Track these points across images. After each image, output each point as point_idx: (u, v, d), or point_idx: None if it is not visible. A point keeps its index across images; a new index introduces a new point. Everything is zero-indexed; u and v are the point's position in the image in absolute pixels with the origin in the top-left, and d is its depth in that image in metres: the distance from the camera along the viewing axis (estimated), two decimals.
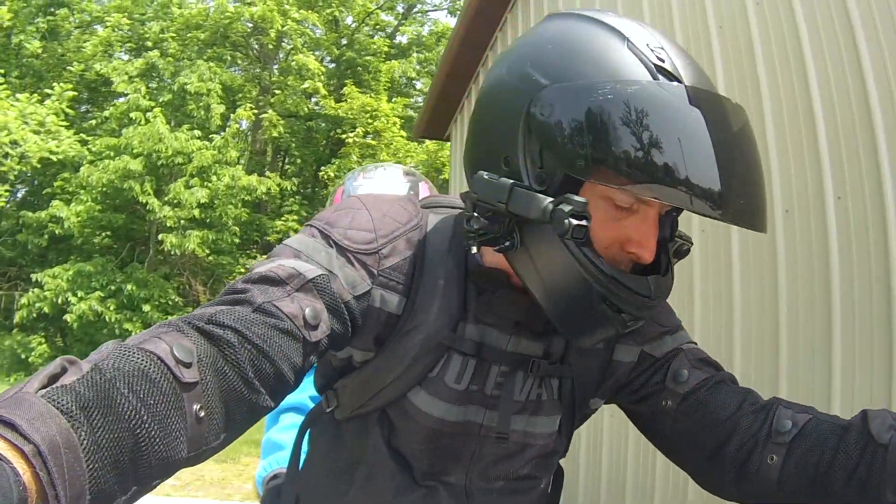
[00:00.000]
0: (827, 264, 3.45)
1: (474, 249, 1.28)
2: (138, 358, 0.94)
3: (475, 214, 1.22)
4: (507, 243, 1.23)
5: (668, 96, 1.12)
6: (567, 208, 1.10)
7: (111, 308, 17.53)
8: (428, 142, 20.57)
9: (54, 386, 0.84)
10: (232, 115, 20.67)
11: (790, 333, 3.67)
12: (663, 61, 1.17)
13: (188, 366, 0.98)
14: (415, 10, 28.37)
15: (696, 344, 1.55)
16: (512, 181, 1.18)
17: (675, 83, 1.15)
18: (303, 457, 1.66)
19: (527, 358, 1.41)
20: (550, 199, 1.13)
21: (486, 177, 1.21)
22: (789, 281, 3.69)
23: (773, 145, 3.78)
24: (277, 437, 2.34)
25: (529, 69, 1.21)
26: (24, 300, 17.71)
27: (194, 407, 0.98)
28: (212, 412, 1.01)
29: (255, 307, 1.14)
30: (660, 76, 1.15)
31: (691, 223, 4.33)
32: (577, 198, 1.11)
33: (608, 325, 1.26)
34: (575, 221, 1.10)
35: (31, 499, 0.75)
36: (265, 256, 1.36)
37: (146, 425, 0.89)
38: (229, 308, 1.14)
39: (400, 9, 28.13)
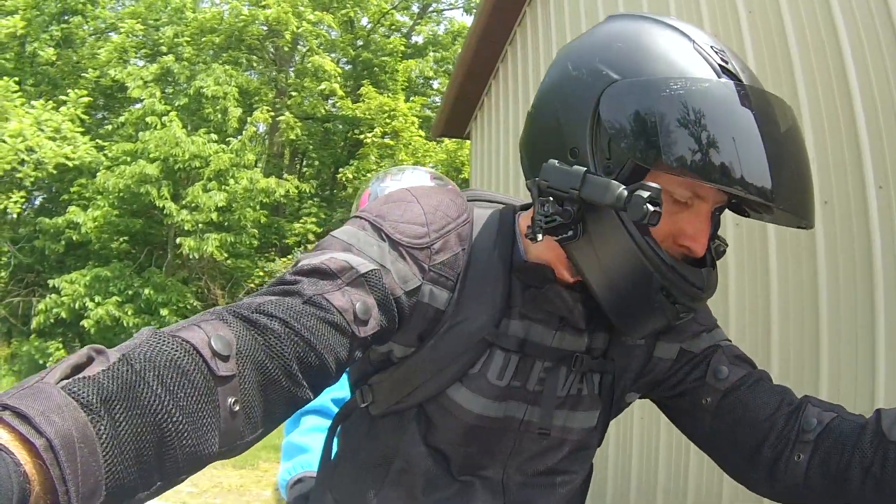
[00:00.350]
0: (869, 256, 3.39)
1: (540, 237, 1.26)
2: (172, 347, 0.93)
3: (547, 201, 1.25)
4: (569, 232, 1.25)
5: (734, 94, 1.18)
6: (645, 194, 1.14)
7: (129, 313, 17.48)
8: (447, 141, 20.60)
9: (77, 377, 0.84)
10: (249, 118, 20.64)
11: (831, 330, 3.61)
12: (727, 62, 1.24)
13: (225, 358, 0.98)
14: (430, 9, 28.40)
15: (731, 341, 1.57)
16: (585, 169, 1.22)
17: (738, 83, 1.21)
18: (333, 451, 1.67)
19: (570, 353, 1.42)
20: (624, 186, 1.17)
21: (557, 165, 1.24)
22: (830, 274, 3.61)
23: (811, 134, 3.71)
24: (300, 441, 2.33)
25: (599, 65, 1.26)
26: (41, 306, 17.71)
27: (229, 401, 0.97)
28: (248, 405, 1.01)
29: (305, 299, 1.15)
30: (724, 76, 1.22)
31: (725, 221, 4.27)
32: (652, 184, 1.15)
33: (662, 315, 1.30)
34: (652, 207, 1.14)
35: (34, 491, 0.74)
36: (313, 248, 1.35)
37: (174, 419, 0.89)
38: (278, 299, 1.14)
39: (415, 8, 28.15)
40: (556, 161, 1.25)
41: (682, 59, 1.23)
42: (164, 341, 0.94)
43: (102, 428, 0.81)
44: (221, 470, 9.70)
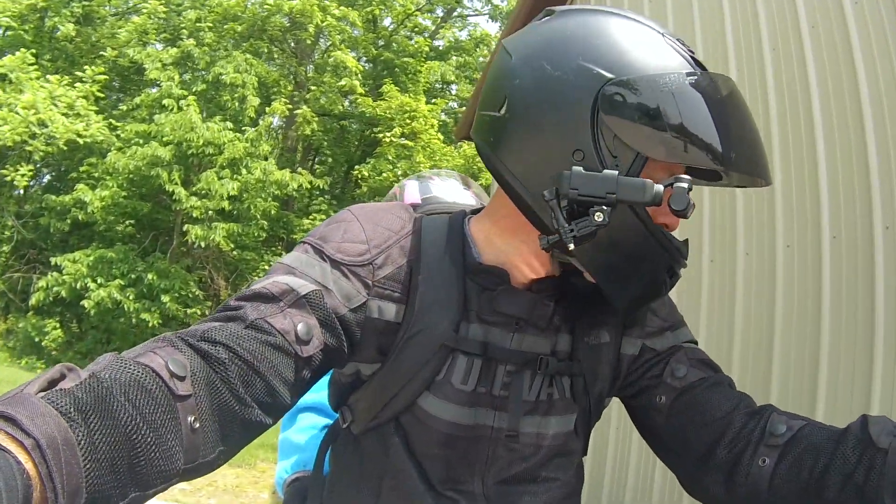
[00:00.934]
0: (872, 291, 3.44)
1: (571, 246, 1.25)
2: (134, 369, 0.99)
3: (572, 209, 1.25)
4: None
5: (713, 84, 1.29)
6: (685, 186, 1.23)
7: (130, 297, 17.43)
8: (465, 146, 20.53)
9: (53, 389, 0.90)
10: (267, 108, 20.63)
11: (832, 354, 3.66)
12: (693, 53, 1.34)
13: (182, 379, 1.04)
14: (454, 13, 28.42)
15: (696, 344, 1.60)
16: (616, 172, 1.23)
17: (706, 72, 1.31)
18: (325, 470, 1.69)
19: (534, 356, 1.44)
20: (658, 183, 1.23)
21: (584, 172, 1.24)
22: (834, 305, 3.66)
23: (825, 172, 3.76)
24: (296, 438, 2.35)
25: (585, 63, 1.29)
26: (41, 283, 17.66)
27: (189, 419, 1.03)
28: (205, 425, 1.07)
29: (247, 323, 1.20)
30: (696, 66, 1.32)
31: (737, 248, 4.33)
32: (685, 177, 1.24)
33: (663, 289, 1.41)
34: (691, 201, 1.22)
35: (36, 488, 0.79)
36: (264, 275, 1.38)
37: (142, 432, 0.95)
38: (222, 325, 1.19)
39: (439, 12, 28.18)
40: (579, 167, 1.25)
41: (663, 54, 1.31)
42: (126, 365, 0.99)
43: (80, 435, 0.87)
44: (219, 469, 9.42)
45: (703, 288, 4.73)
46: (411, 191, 2.49)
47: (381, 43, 25.92)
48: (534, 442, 1.47)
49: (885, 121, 3.55)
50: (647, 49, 1.30)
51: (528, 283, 1.45)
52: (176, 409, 1.01)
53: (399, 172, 20.03)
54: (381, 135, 21.75)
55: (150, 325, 17.33)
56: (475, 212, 1.55)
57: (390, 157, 21.24)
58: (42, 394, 0.89)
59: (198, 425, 1.04)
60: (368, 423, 1.48)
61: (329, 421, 2.39)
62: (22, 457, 0.79)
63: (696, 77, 1.27)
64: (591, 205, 1.24)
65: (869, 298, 3.49)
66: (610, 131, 1.26)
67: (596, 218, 1.22)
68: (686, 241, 1.39)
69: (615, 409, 5.24)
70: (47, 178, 22.56)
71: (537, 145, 1.32)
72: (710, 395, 1.46)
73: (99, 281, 17.42)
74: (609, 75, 1.26)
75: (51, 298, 17.64)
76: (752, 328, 4.29)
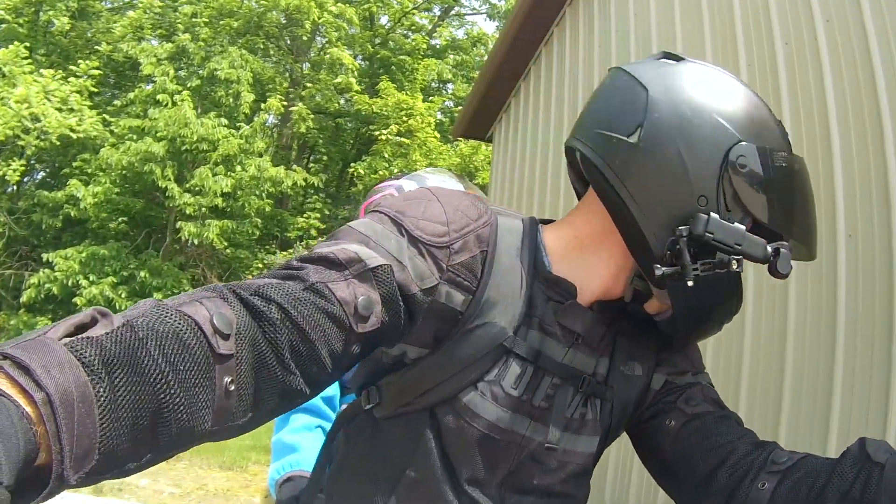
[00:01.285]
0: (891, 288, 3.43)
1: (690, 283, 1.33)
2: (175, 320, 0.94)
3: (700, 250, 1.35)
4: (690, 277, 1.35)
5: (803, 167, 1.46)
6: (789, 252, 1.36)
7: (122, 295, 17.33)
8: (462, 144, 20.53)
9: (80, 336, 0.84)
10: (262, 104, 20.54)
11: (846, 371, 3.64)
12: (787, 133, 1.47)
13: (225, 337, 0.98)
14: (452, 12, 28.45)
15: (713, 387, 1.64)
16: (744, 227, 1.35)
17: (798, 156, 1.46)
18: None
19: (579, 373, 1.45)
20: (770, 244, 1.35)
21: (720, 220, 1.34)
22: (849, 306, 3.64)
23: (840, 171, 3.75)
24: (289, 439, 2.36)
25: (719, 119, 1.39)
26: (33, 280, 17.57)
27: (225, 380, 0.97)
28: (242, 387, 1.01)
29: (306, 285, 1.14)
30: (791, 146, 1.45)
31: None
32: (786, 243, 1.37)
33: (716, 331, 1.55)
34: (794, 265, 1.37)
35: (41, 438, 0.76)
36: (327, 237, 1.33)
37: (172, 390, 0.89)
38: (280, 282, 1.13)
39: (437, 11, 28.21)
40: (715, 215, 1.34)
41: (776, 129, 1.43)
42: (167, 313, 0.94)
43: (101, 390, 0.82)
44: (207, 471, 9.30)
45: None
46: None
47: (377, 41, 25.92)
48: (560, 458, 1.47)
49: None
50: (766, 122, 1.43)
51: (591, 303, 1.47)
52: (213, 369, 0.96)
53: (395, 170, 20.02)
54: (377, 132, 21.72)
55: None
56: (543, 221, 1.55)
57: (386, 155, 21.23)
58: (67, 340, 0.83)
59: (233, 388, 0.99)
60: (397, 409, 1.43)
61: (322, 422, 2.42)
62: (30, 409, 0.75)
63: (795, 158, 1.43)
64: (714, 250, 1.34)
65: (888, 298, 3.47)
66: (731, 187, 1.36)
67: (733, 266, 1.34)
68: None
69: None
70: (41, 174, 22.57)
71: (667, 181, 1.37)
72: (718, 424, 1.50)
73: (91, 278, 17.34)
74: (738, 136, 1.37)
75: (42, 295, 17.57)
76: (763, 337, 4.26)
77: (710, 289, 1.38)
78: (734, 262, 1.33)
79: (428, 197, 1.40)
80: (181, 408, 0.91)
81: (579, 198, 1.61)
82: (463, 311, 1.36)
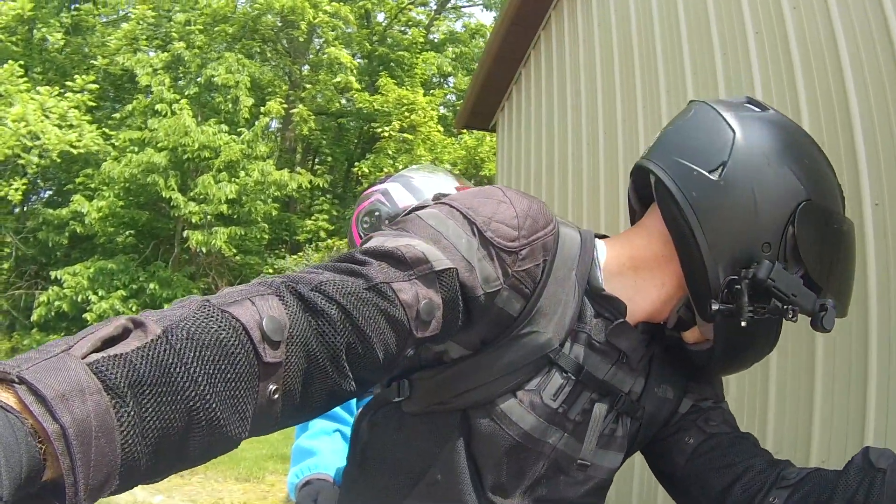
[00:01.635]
0: (864, 268, 3.54)
1: (744, 324, 1.37)
2: (220, 325, 0.88)
3: (761, 295, 1.39)
4: (740, 321, 1.38)
5: (853, 233, 1.52)
6: (832, 306, 1.39)
7: (133, 308, 17.29)
8: (466, 137, 20.49)
9: (108, 353, 0.79)
10: (262, 108, 20.51)
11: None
12: (844, 198, 1.53)
13: (275, 345, 0.93)
14: (448, 4, 28.44)
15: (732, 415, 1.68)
16: (800, 279, 1.40)
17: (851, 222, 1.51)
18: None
19: (616, 391, 1.47)
20: (819, 298, 1.40)
21: (783, 269, 1.38)
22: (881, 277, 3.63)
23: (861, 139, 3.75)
24: (308, 444, 2.35)
25: (791, 173, 1.43)
26: (42, 298, 17.61)
27: (270, 388, 0.93)
28: (289, 393, 0.97)
29: (370, 284, 1.09)
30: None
31: None
32: (831, 301, 1.40)
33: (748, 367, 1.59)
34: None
35: (49, 468, 0.72)
36: (392, 224, 1.31)
37: (208, 405, 0.85)
38: (342, 278, 1.08)
39: (433, 5, 28.23)
40: (780, 264, 1.38)
41: (837, 193, 1.49)
42: (211, 317, 0.89)
43: (125, 415, 0.77)
44: (223, 483, 9.02)
45: None
46: (399, 195, 2.35)
47: (375, 39, 25.91)
48: (588, 473, 1.48)
49: (870, 102, 3.60)
50: (832, 186, 1.48)
51: (636, 323, 1.48)
52: (257, 378, 0.91)
53: (400, 167, 19.98)
54: (379, 130, 21.71)
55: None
56: (598, 236, 1.54)
57: (390, 152, 21.23)
58: (93, 357, 0.77)
59: (277, 396, 0.94)
60: (429, 406, 1.41)
61: (340, 426, 2.42)
62: (40, 437, 0.71)
63: (848, 222, 1.48)
64: (770, 296, 1.37)
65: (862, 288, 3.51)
66: (793, 240, 1.39)
67: (788, 315, 1.38)
68: None
69: None
70: (48, 193, 22.63)
71: (739, 223, 1.40)
72: (734, 443, 1.54)
73: (100, 293, 17.37)
74: (808, 195, 1.41)
75: (53, 313, 17.59)
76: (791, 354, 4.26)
77: (756, 331, 1.43)
78: (789, 310, 1.37)
79: (500, 197, 1.36)
80: (216, 422, 0.86)
81: (632, 214, 1.64)
82: (516, 316, 1.35)
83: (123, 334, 0.82)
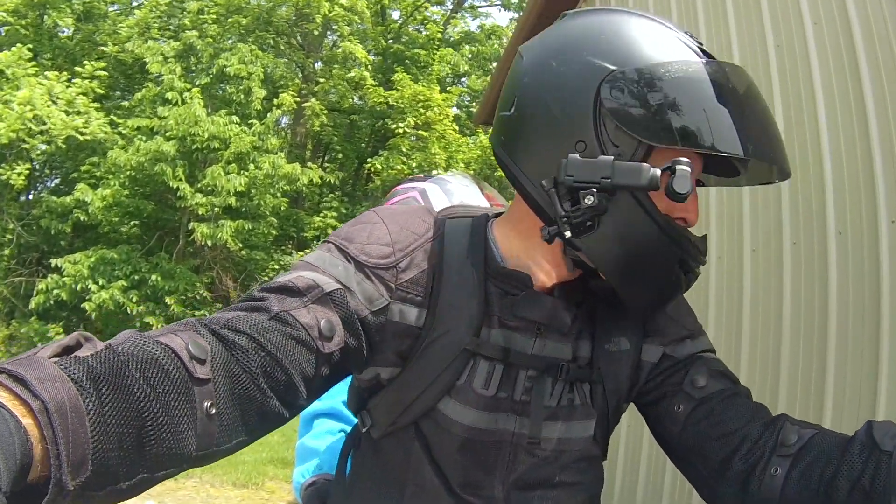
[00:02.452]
0: (878, 286, 3.58)
1: (568, 233, 1.32)
2: (153, 347, 1.00)
3: (569, 197, 1.31)
4: (589, 224, 1.32)
5: (720, 72, 1.34)
6: (686, 168, 1.27)
7: (133, 299, 17.41)
8: (481, 136, 20.35)
9: (67, 356, 0.90)
10: (275, 99, 20.44)
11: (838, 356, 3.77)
12: (702, 45, 1.39)
13: (202, 362, 1.04)
14: (465, 4, 28.43)
15: (715, 353, 1.61)
16: (612, 157, 1.29)
17: (717, 62, 1.36)
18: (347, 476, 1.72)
19: (555, 362, 1.46)
20: (655, 167, 1.28)
21: (580, 159, 1.30)
22: (840, 300, 3.78)
23: (829, 168, 3.88)
24: (312, 444, 2.38)
25: (589, 58, 1.34)
26: (41, 286, 17.61)
27: (205, 404, 1.03)
28: (223, 412, 1.08)
29: (271, 315, 1.22)
30: (703, 56, 1.36)
31: (744, 245, 4.42)
32: (684, 158, 1.28)
33: (678, 287, 1.44)
34: (692, 187, 1.26)
35: (35, 449, 0.80)
36: (283, 272, 1.41)
37: (154, 411, 0.94)
38: (246, 314, 1.21)
39: (449, 4, 28.23)
40: (577, 156, 1.30)
41: (668, 45, 1.35)
42: (145, 342, 0.99)
43: (91, 404, 0.86)
44: (219, 489, 8.79)
45: (710, 285, 4.82)
46: (437, 198, 2.43)
47: (390, 37, 25.93)
48: (555, 447, 1.49)
49: (888, 113, 3.61)
50: (652, 41, 1.35)
51: (551, 288, 1.48)
52: (192, 393, 1.02)
53: (413, 165, 19.95)
54: (393, 126, 21.59)
55: (155, 328, 16.82)
56: (497, 215, 1.58)
57: (404, 150, 21.11)
58: (55, 359, 0.89)
59: (214, 411, 1.05)
60: (388, 428, 1.49)
61: (344, 426, 2.44)
62: (27, 420, 0.80)
63: (701, 65, 1.33)
64: (577, 191, 1.29)
65: (875, 293, 3.58)
66: (612, 121, 1.30)
67: (586, 201, 1.28)
68: (704, 236, 1.44)
69: (627, 411, 5.34)
70: (56, 181, 22.71)
71: (543, 140, 1.37)
72: (727, 406, 1.48)
73: (100, 282, 17.34)
74: (612, 67, 1.31)
75: (52, 302, 17.57)
76: (760, 326, 4.34)
77: (620, 239, 1.35)
78: (588, 197, 1.28)
79: (374, 220, 1.46)
80: (164, 428, 0.96)
81: None
82: (421, 326, 1.41)
83: (77, 346, 0.93)
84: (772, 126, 1.39)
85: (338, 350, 1.30)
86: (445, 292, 1.43)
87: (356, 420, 1.64)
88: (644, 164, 1.28)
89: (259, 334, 1.18)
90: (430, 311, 1.42)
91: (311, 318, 1.26)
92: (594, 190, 1.28)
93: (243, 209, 19.05)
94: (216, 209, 18.09)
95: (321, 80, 23.80)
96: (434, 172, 2.72)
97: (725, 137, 1.30)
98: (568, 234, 1.32)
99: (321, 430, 2.42)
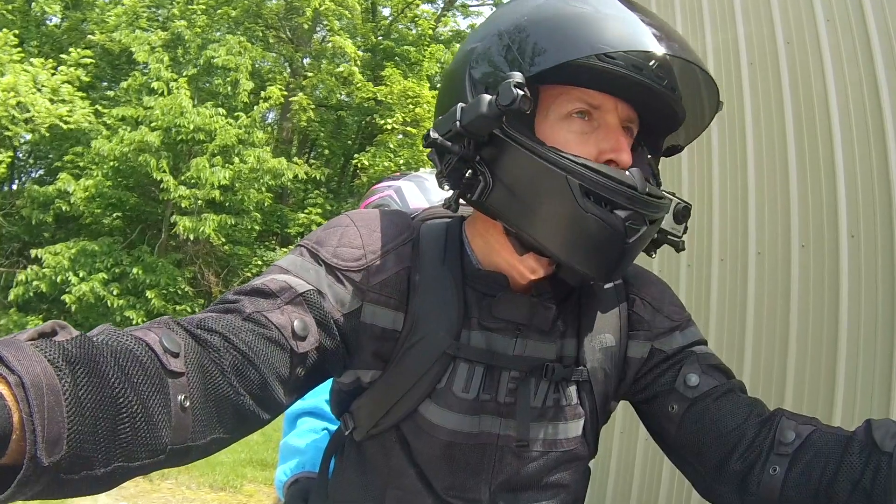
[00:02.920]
0: (893, 294, 3.51)
1: (447, 188, 1.37)
2: (127, 339, 1.02)
3: (442, 156, 1.33)
4: (480, 182, 1.33)
5: None
6: (509, 81, 1.23)
7: (114, 292, 17.22)
8: None
9: (44, 339, 0.92)
10: (263, 92, 20.27)
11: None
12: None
13: (175, 355, 1.07)
14: (457, 2, 28.43)
15: (707, 345, 1.62)
16: (461, 105, 1.30)
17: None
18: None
19: (539, 362, 1.48)
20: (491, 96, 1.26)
21: (441, 118, 1.33)
22: (852, 305, 3.67)
23: (842, 167, 3.77)
24: (296, 442, 2.39)
25: (469, 45, 1.41)
26: (20, 276, 17.40)
27: (179, 397, 1.05)
28: (197, 406, 1.09)
29: (244, 316, 1.25)
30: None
31: (749, 247, 4.33)
32: (515, 73, 1.25)
33: (610, 230, 1.29)
34: (520, 92, 1.22)
35: (15, 427, 0.82)
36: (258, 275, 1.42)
37: (128, 398, 0.95)
38: (219, 315, 1.24)
39: (440, 3, 28.30)
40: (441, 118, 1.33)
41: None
42: (119, 334, 1.02)
43: (66, 384, 0.87)
44: (196, 492, 8.40)
45: (712, 290, 4.70)
46: (412, 195, 2.45)
47: (379, 34, 25.91)
48: (543, 448, 1.50)
49: None
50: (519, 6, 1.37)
51: (528, 287, 1.48)
52: (166, 384, 1.03)
53: (401, 162, 19.99)
54: (381, 121, 21.60)
55: (135, 322, 16.94)
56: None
57: (392, 146, 21.13)
58: (31, 342, 0.90)
59: (188, 404, 1.06)
60: (370, 431, 1.52)
61: (328, 425, 2.45)
62: (5, 391, 0.81)
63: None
64: (451, 147, 1.31)
65: (890, 302, 3.46)
66: (482, 86, 1.33)
67: (456, 148, 1.30)
68: (636, 168, 1.37)
69: (620, 411, 5.35)
70: (39, 172, 22.76)
71: (437, 115, 1.42)
72: (722, 405, 1.48)
73: (81, 275, 17.19)
74: (477, 45, 1.37)
75: (31, 293, 17.45)
76: (765, 334, 4.24)
77: (515, 183, 1.32)
78: (468, 146, 1.30)
79: (346, 224, 1.48)
80: (139, 416, 0.96)
81: None
82: (398, 329, 1.43)
83: (52, 333, 0.94)
84: (641, 14, 1.35)
85: (313, 350, 1.32)
86: (423, 296, 1.45)
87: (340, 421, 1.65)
88: (483, 95, 1.26)
89: (232, 334, 1.20)
90: (407, 314, 1.44)
91: (285, 318, 1.29)
92: (450, 137, 1.30)
93: (227, 204, 18.94)
94: (199, 202, 17.96)
95: (309, 74, 23.69)
96: (410, 172, 2.75)
97: (580, 44, 1.27)
98: (447, 188, 1.37)
99: (305, 429, 2.44)
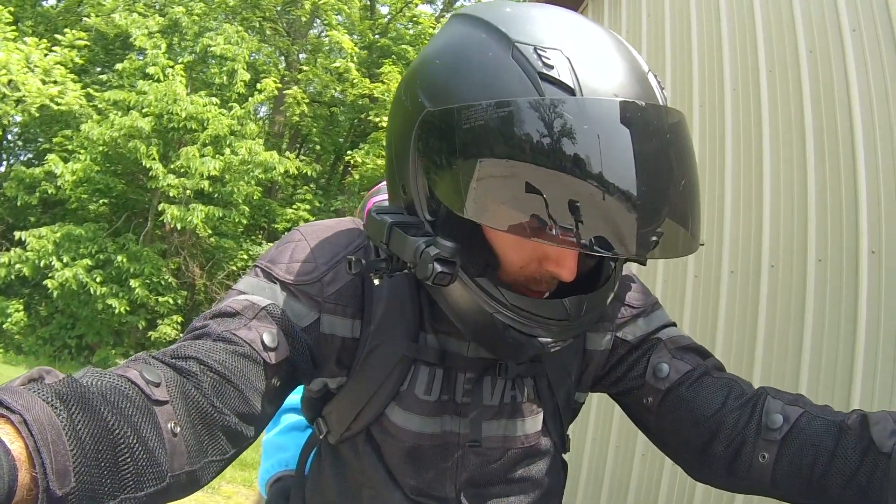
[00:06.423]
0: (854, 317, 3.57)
1: (376, 282, 1.33)
2: (110, 378, 1.03)
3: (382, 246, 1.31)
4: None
5: (548, 113, 1.07)
6: (433, 252, 1.19)
7: (97, 280, 17.11)
8: None
9: (34, 383, 0.94)
10: (258, 84, 20.15)
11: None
12: (552, 67, 1.12)
13: (157, 385, 1.09)
14: (456, 3, 28.39)
15: (676, 326, 1.61)
16: (391, 221, 1.27)
17: (562, 93, 1.10)
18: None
19: (492, 362, 1.49)
20: (423, 239, 1.22)
21: (374, 216, 1.30)
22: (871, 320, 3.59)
23: (864, 180, 3.72)
24: (280, 439, 2.41)
25: (418, 90, 1.25)
26: (3, 259, 17.28)
27: (168, 424, 1.07)
28: (186, 431, 1.11)
29: (214, 337, 1.27)
30: (544, 84, 1.11)
31: (761, 259, 4.21)
32: (445, 242, 1.20)
33: (525, 348, 1.32)
34: (440, 268, 1.18)
35: (22, 468, 0.83)
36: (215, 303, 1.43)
37: (123, 430, 0.97)
38: (191, 342, 1.26)
39: (439, 3, 28.23)
40: (374, 211, 1.31)
41: (492, 76, 1.14)
42: (102, 373, 1.04)
43: (64, 420, 0.89)
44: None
45: (721, 304, 4.59)
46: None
47: (377, 32, 25.88)
48: (501, 445, 1.54)
49: None
50: (478, 71, 1.16)
51: None
52: (154, 413, 1.05)
53: None
54: (377, 119, 21.45)
55: (118, 310, 17.05)
56: None
57: (385, 143, 20.94)
58: (23, 387, 0.92)
59: (178, 430, 1.08)
60: (343, 434, 1.55)
61: None
62: (9, 434, 0.83)
63: (512, 107, 1.10)
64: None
65: None
66: (423, 172, 1.24)
67: (386, 264, 1.31)
68: (577, 297, 1.29)
69: (594, 409, 5.30)
70: (29, 155, 22.80)
71: (388, 176, 1.40)
72: (697, 391, 1.49)
73: (65, 259, 17.12)
74: (428, 105, 1.20)
75: (13, 276, 17.36)
76: (776, 350, 4.15)
77: (437, 290, 1.35)
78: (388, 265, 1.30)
79: (297, 239, 1.49)
80: (136, 446, 0.98)
81: None
82: (357, 336, 1.46)
83: (40, 378, 0.96)
84: (654, 181, 1.12)
85: (284, 360, 1.34)
86: (378, 302, 1.46)
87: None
88: (411, 238, 1.23)
89: (206, 356, 1.21)
90: (364, 321, 1.46)
91: (253, 333, 1.30)
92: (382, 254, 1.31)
93: (216, 195, 18.80)
94: (188, 192, 17.84)
95: (304, 67, 23.66)
96: None
97: (543, 215, 1.09)
98: (376, 282, 1.35)
99: (287, 426, 2.45)
